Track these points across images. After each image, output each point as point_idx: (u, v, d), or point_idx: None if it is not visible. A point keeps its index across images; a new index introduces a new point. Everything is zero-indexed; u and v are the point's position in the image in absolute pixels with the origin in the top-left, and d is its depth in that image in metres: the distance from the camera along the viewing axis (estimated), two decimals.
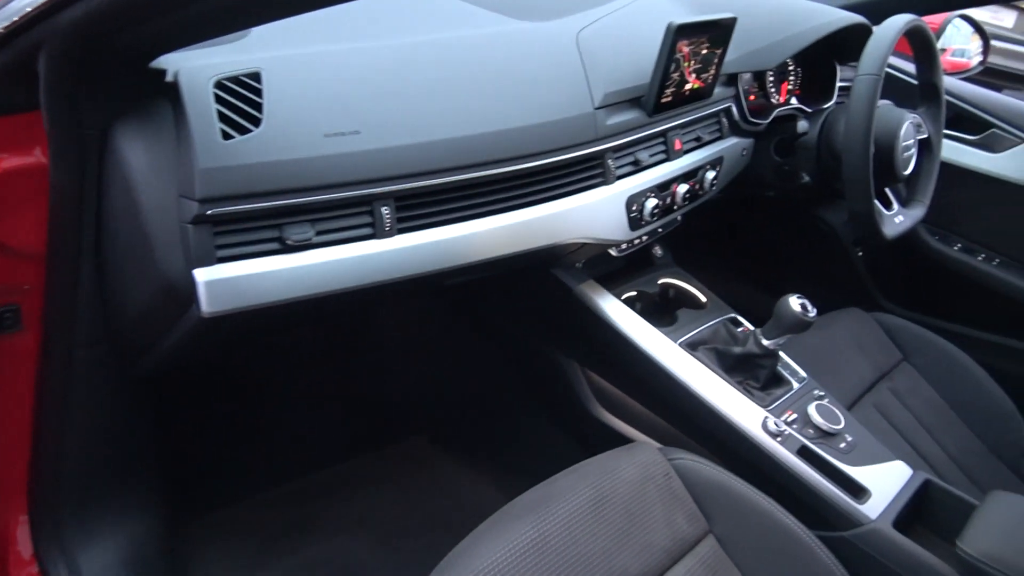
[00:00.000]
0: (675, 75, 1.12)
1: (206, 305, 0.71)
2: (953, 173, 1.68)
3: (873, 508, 1.05)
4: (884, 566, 1.00)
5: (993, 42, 5.59)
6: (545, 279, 1.25)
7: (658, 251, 1.44)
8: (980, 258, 1.69)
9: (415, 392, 1.63)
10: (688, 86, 1.17)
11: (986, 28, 5.84)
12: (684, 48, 1.10)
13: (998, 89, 6.02)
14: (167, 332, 0.80)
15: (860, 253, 1.84)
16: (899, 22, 1.27)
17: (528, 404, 1.51)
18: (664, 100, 1.13)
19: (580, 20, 1.13)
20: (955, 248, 1.72)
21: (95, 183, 0.75)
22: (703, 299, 1.37)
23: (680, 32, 1.06)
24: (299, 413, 1.49)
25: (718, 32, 1.14)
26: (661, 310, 1.35)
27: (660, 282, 1.38)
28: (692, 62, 1.14)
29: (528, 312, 1.40)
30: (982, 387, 1.47)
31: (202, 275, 0.70)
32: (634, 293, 1.32)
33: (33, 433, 0.92)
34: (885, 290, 1.85)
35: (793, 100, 1.60)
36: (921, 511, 1.11)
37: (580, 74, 1.04)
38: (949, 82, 1.70)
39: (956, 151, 1.68)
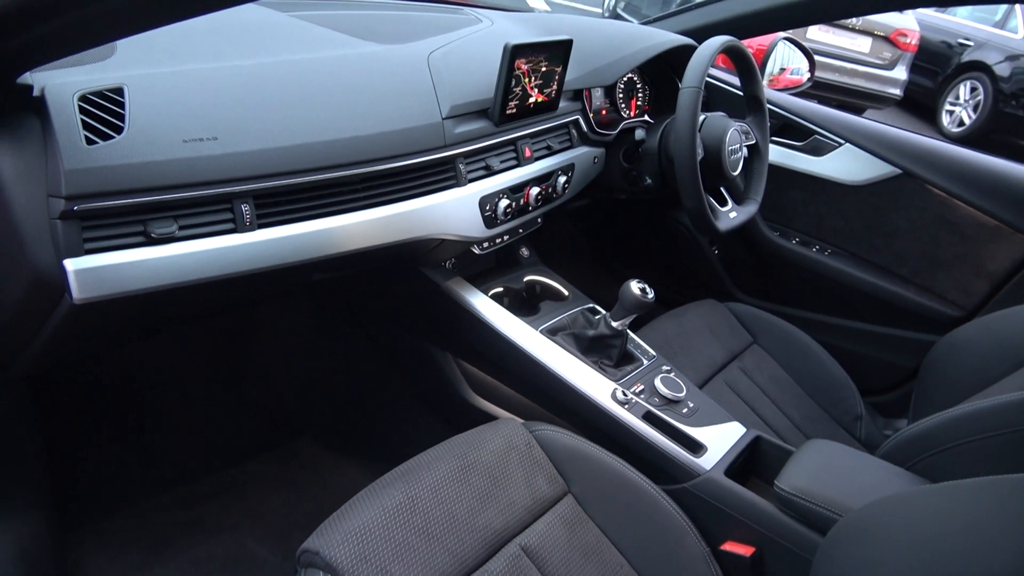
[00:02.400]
0: (517, 90, 1.26)
1: (76, 291, 0.79)
2: (786, 176, 1.90)
3: (708, 461, 1.19)
4: (718, 508, 1.14)
5: (852, 65, 6.07)
6: (416, 277, 1.36)
7: (525, 252, 1.58)
8: (814, 249, 1.91)
9: (300, 393, 1.70)
10: (532, 100, 1.32)
11: (844, 52, 6.31)
12: (523, 65, 1.24)
13: (862, 110, 6.50)
14: (43, 324, 0.87)
15: (716, 251, 2.03)
16: (715, 43, 1.46)
17: (407, 397, 1.61)
18: (509, 112, 1.27)
19: (432, 43, 1.27)
20: (793, 242, 1.94)
21: None
22: (565, 292, 1.51)
23: (517, 51, 1.20)
24: (186, 419, 1.55)
25: (554, 51, 1.30)
26: (527, 303, 1.48)
27: (526, 279, 1.52)
28: (533, 78, 1.29)
29: (403, 310, 1.51)
30: (821, 362, 1.67)
31: (71, 264, 0.79)
32: (501, 289, 1.45)
33: None
34: (738, 282, 2.06)
35: (646, 115, 1.79)
36: (754, 463, 1.27)
37: (429, 89, 1.17)
38: (777, 96, 1.93)
39: (787, 156, 1.90)
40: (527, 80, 1.28)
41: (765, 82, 2.37)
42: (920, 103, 7.14)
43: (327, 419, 1.71)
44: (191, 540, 1.38)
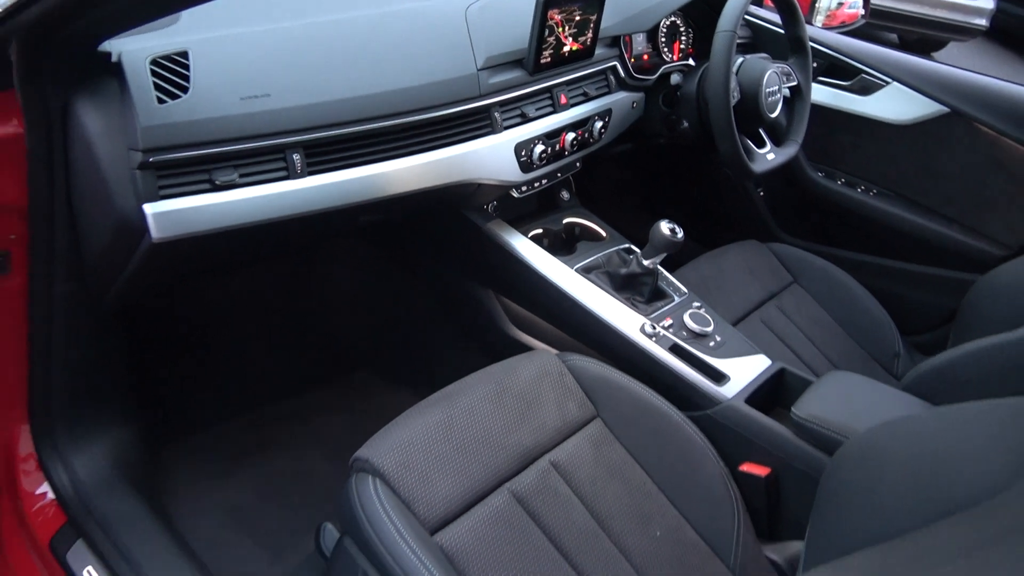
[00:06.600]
0: (551, 39, 1.32)
1: (155, 231, 0.93)
2: (832, 116, 1.89)
3: (731, 390, 1.26)
4: (737, 433, 1.21)
5: None
6: (459, 220, 1.46)
7: (565, 195, 1.66)
8: (859, 190, 1.91)
9: (358, 330, 1.85)
10: (567, 48, 1.38)
11: None
12: (556, 16, 1.30)
13: (944, 42, 6.14)
14: (127, 261, 1.01)
15: (761, 192, 2.06)
16: None
17: (454, 332, 1.73)
18: (543, 61, 1.34)
19: None
20: (839, 183, 1.94)
21: (62, 146, 0.96)
22: (603, 233, 1.59)
23: (549, 3, 1.26)
24: (258, 352, 1.71)
25: (588, 1, 1.35)
26: (565, 244, 1.56)
27: (565, 221, 1.60)
28: (567, 27, 1.35)
29: (449, 251, 1.61)
30: (862, 302, 1.70)
31: (150, 208, 0.92)
32: (540, 230, 1.54)
33: (28, 357, 1.13)
34: (783, 224, 2.08)
35: (690, 59, 1.81)
36: (779, 394, 1.34)
37: (466, 42, 1.25)
38: (824, 35, 1.91)
39: (833, 96, 1.89)
40: (560, 30, 1.33)
41: (822, 18, 2.33)
42: (1011, 34, 6.70)
43: (382, 352, 1.86)
44: (262, 457, 1.55)
